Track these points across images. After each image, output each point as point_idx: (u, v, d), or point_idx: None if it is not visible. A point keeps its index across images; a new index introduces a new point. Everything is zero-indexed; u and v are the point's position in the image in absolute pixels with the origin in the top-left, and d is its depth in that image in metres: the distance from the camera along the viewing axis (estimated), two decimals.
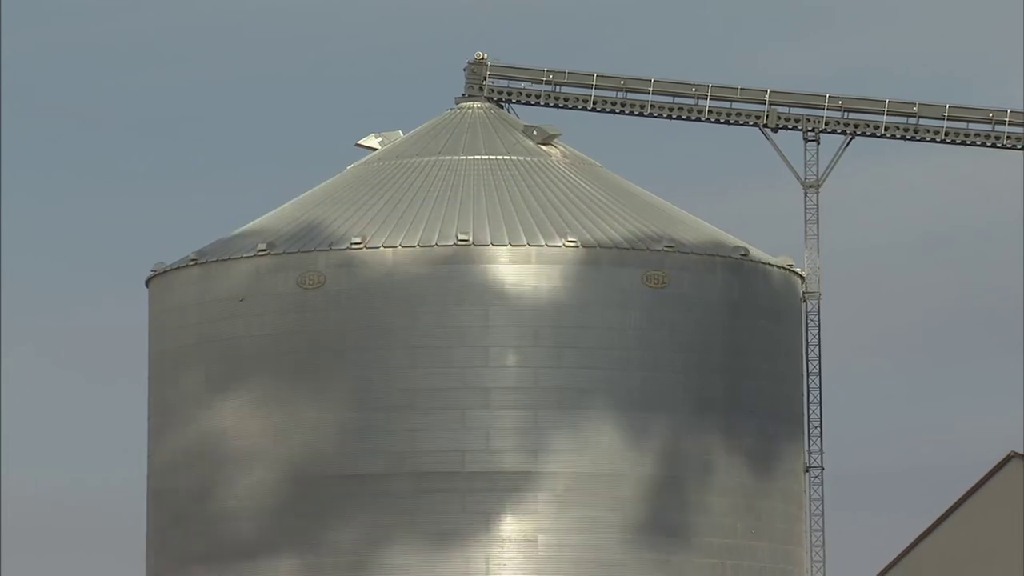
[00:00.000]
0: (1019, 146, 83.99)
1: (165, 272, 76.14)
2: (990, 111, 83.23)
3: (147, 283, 77.18)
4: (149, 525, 77.13)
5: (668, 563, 72.18)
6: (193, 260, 75.11)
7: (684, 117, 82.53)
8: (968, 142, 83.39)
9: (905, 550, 68.49)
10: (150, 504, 77.17)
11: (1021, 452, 65.46)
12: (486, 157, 77.12)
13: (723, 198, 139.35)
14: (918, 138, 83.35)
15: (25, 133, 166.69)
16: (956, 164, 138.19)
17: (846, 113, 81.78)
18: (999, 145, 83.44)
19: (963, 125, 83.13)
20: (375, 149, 79.17)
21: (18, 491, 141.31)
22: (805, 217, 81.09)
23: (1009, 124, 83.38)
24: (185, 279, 75.41)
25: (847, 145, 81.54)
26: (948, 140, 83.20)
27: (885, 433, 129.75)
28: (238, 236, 76.04)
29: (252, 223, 77.02)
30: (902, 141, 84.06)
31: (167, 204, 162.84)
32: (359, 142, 79.90)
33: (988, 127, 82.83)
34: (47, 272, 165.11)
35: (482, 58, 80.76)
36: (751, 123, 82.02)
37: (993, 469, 64.23)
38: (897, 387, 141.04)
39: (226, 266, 74.39)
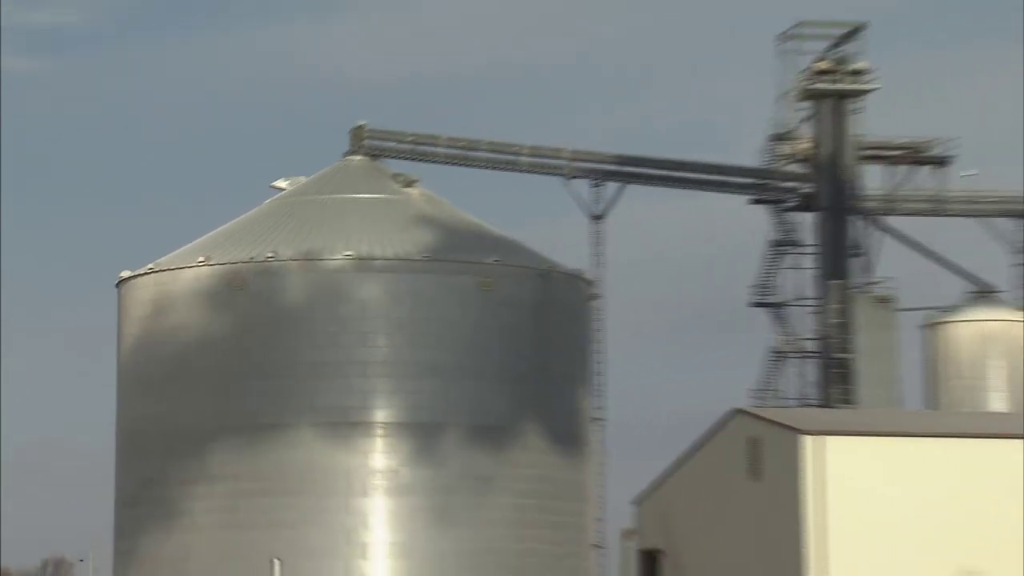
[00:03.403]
0: (739, 191, 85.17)
1: (130, 278, 75.81)
2: (721, 166, 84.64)
3: (117, 285, 76.87)
4: (117, 457, 76.29)
5: (488, 487, 71.40)
6: (151, 269, 75.01)
7: (508, 168, 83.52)
8: (704, 188, 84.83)
9: (657, 480, 68.24)
10: (118, 440, 76.35)
11: (743, 408, 65.99)
12: (365, 196, 76.90)
13: (536, 227, 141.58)
14: (673, 185, 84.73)
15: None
16: (698, 203, 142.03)
17: (621, 166, 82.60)
18: (728, 191, 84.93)
19: (703, 175, 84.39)
20: (284, 189, 78.73)
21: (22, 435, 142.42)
22: (592, 241, 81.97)
23: (735, 176, 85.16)
24: (145, 282, 75.09)
25: (621, 190, 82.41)
26: (693, 187, 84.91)
27: (649, 394, 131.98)
28: (184, 252, 75.24)
29: (194, 242, 76.13)
30: (662, 187, 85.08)
31: (134, 227, 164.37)
32: (273, 184, 79.40)
33: (722, 178, 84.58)
34: (45, 274, 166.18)
35: (362, 125, 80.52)
36: (555, 173, 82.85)
37: (722, 420, 64.32)
38: (657, 360, 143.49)
39: (175, 273, 74.10)
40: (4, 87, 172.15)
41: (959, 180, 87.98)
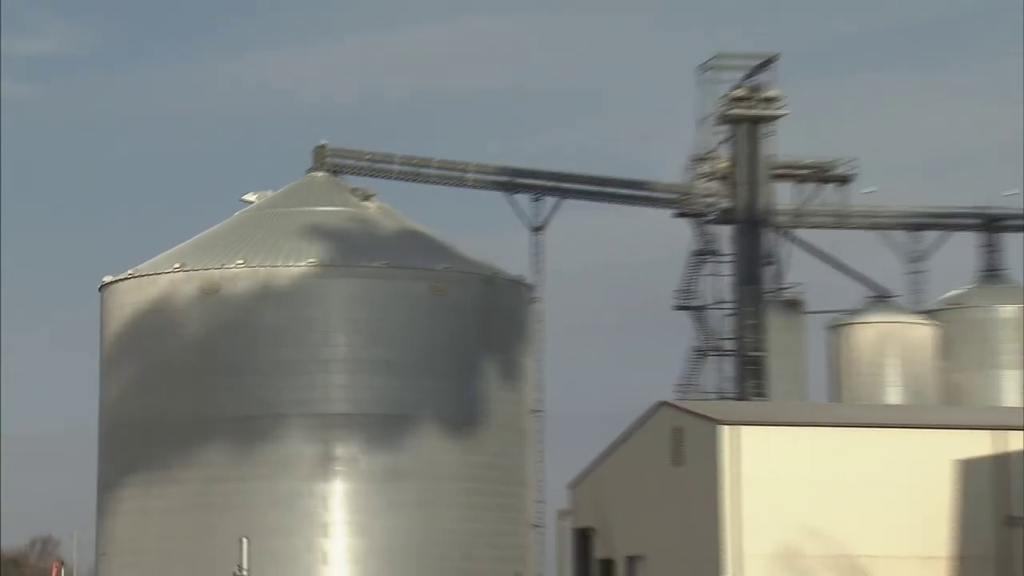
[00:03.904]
0: (665, 206, 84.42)
1: (112, 282, 75.55)
2: (648, 183, 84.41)
3: (100, 289, 76.54)
4: (100, 446, 75.82)
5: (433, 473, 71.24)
6: (131, 274, 74.71)
7: (456, 184, 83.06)
8: (632, 203, 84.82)
9: (590, 466, 68.09)
10: (101, 431, 75.85)
11: (667, 401, 65.71)
12: (326, 208, 76.60)
13: (483, 237, 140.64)
14: (605, 200, 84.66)
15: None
16: (628, 216, 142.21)
17: (559, 182, 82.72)
18: (652, 205, 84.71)
19: (632, 191, 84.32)
20: (253, 202, 78.30)
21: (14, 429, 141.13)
22: (533, 250, 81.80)
23: (661, 192, 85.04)
24: (125, 287, 74.79)
25: (558, 204, 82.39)
26: (623, 202, 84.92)
27: (584, 388, 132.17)
28: (161, 259, 74.95)
29: (170, 250, 75.89)
30: (596, 202, 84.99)
31: (116, 236, 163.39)
32: (243, 197, 78.98)
33: (649, 193, 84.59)
34: (37, 278, 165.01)
35: (324, 144, 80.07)
36: (499, 188, 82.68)
37: (648, 411, 64.19)
38: (590, 358, 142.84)
39: (153, 278, 73.78)
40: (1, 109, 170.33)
41: (860, 196, 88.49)
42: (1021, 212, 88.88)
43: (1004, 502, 58.53)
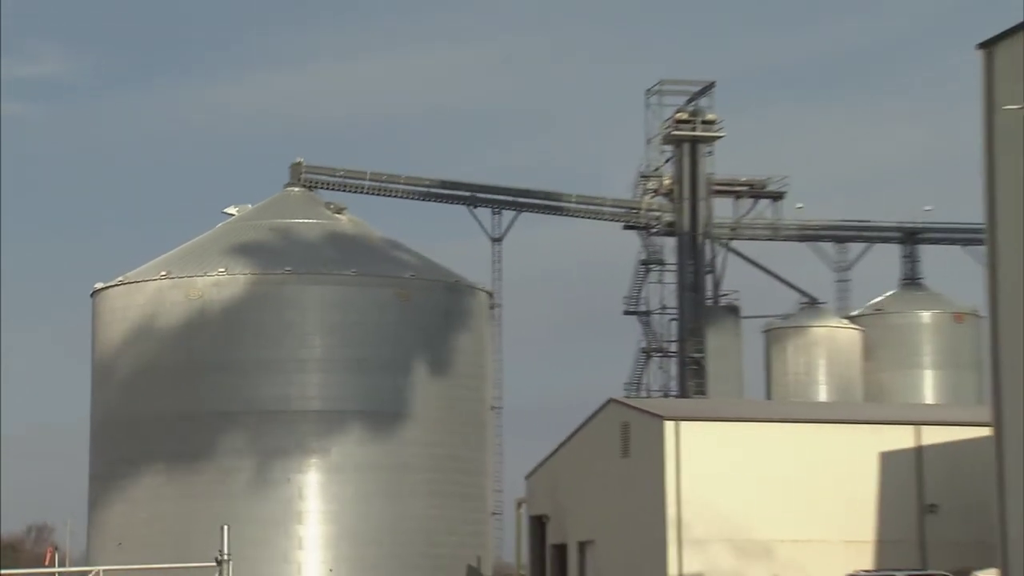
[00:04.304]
0: (614, 219, 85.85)
1: (103, 289, 74.98)
2: (600, 198, 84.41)
3: (92, 295, 75.89)
4: (91, 439, 75.14)
5: (401, 464, 70.54)
6: (120, 281, 74.19)
7: (422, 198, 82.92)
8: (584, 216, 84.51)
9: (545, 458, 68.51)
10: (92, 426, 75.15)
11: (616, 398, 66.15)
12: (301, 220, 76.03)
13: (447, 247, 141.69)
14: (560, 213, 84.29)
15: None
16: (581, 228, 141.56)
17: (517, 197, 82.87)
18: (602, 218, 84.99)
19: (585, 205, 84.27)
20: (233, 215, 77.65)
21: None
22: (492, 259, 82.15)
23: (611, 206, 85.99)
24: (115, 293, 74.32)
25: (516, 216, 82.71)
26: (576, 215, 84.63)
27: (539, 386, 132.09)
28: (148, 267, 74.56)
29: (157, 259, 75.34)
30: (551, 215, 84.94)
31: (106, 246, 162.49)
32: (224, 210, 78.32)
33: (600, 207, 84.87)
34: (34, 285, 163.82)
35: (300, 161, 79.75)
36: (462, 203, 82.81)
37: (599, 408, 64.42)
38: (545, 358, 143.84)
39: (141, 285, 73.27)
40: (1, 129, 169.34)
41: (791, 211, 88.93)
42: (937, 226, 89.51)
43: (921, 491, 59.07)
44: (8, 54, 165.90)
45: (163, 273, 72.86)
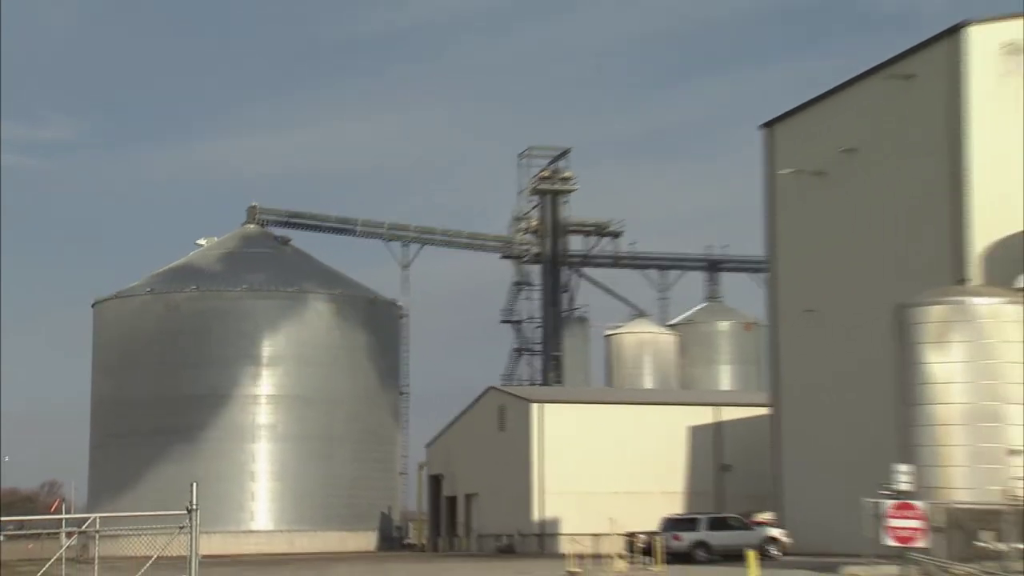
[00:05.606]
0: (494, 251, 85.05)
1: (101, 301, 74.18)
2: (483, 234, 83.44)
3: (92, 305, 74.96)
4: (91, 415, 73.59)
5: (330, 451, 69.69)
6: (115, 295, 73.40)
7: (349, 234, 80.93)
8: (472, 248, 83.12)
9: (441, 431, 68.00)
10: (92, 405, 73.79)
11: (495, 386, 66.17)
12: (256, 250, 75.36)
13: (369, 273, 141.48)
14: (453, 246, 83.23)
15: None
16: (468, 257, 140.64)
17: (420, 233, 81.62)
18: (485, 250, 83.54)
19: (472, 240, 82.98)
20: (203, 245, 76.51)
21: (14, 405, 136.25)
22: (402, 281, 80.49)
23: (492, 240, 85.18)
24: (111, 304, 73.57)
25: (420, 248, 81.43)
26: (465, 247, 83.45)
27: (437, 376, 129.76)
28: (137, 285, 73.56)
29: (143, 278, 74.35)
30: (446, 248, 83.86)
31: (104, 268, 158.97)
32: (196, 241, 77.54)
33: (483, 241, 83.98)
34: (47, 298, 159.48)
35: (254, 204, 78.91)
36: (379, 237, 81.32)
37: (482, 393, 64.38)
38: (443, 356, 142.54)
39: (130, 299, 72.40)
40: (18, 177, 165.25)
41: (626, 246, 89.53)
42: (733, 258, 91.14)
43: (719, 455, 60.00)
44: (15, 118, 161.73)
45: (148, 289, 72.59)
